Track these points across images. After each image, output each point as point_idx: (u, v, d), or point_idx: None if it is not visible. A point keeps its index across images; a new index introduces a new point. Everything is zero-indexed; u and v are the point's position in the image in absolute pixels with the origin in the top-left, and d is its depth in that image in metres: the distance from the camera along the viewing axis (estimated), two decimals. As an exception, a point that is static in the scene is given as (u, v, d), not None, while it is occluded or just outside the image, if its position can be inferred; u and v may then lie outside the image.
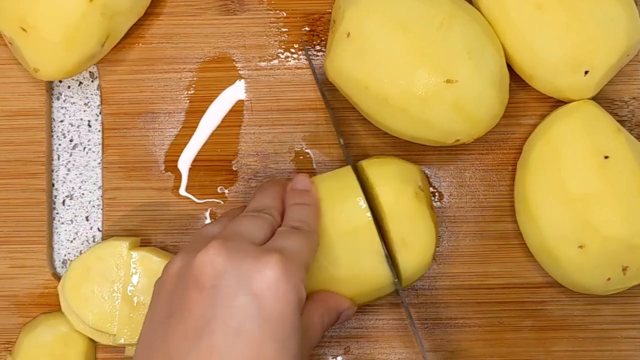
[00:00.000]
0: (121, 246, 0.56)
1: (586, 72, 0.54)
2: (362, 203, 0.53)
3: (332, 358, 0.59)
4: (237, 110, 0.60)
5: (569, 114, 0.55)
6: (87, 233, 0.61)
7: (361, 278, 0.53)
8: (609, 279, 0.54)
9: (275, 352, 0.43)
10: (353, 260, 0.53)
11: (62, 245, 0.61)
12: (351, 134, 0.59)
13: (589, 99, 0.56)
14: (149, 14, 0.59)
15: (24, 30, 0.54)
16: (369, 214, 0.53)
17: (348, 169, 0.55)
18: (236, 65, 0.60)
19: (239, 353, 0.42)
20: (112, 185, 0.60)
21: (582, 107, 0.55)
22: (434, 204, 0.59)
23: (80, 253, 0.60)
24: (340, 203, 0.53)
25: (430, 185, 0.59)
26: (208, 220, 0.60)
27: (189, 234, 0.60)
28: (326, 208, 0.53)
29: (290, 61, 0.60)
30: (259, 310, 0.43)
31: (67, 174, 0.61)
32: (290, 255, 0.45)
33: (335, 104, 0.60)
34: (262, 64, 0.60)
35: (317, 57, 0.60)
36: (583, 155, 0.53)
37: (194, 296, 0.44)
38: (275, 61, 0.60)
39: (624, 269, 0.53)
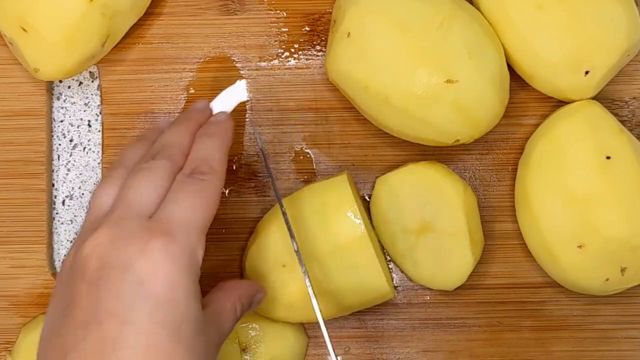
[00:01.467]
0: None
1: (586, 72, 0.54)
2: (355, 218, 0.53)
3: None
4: (237, 110, 0.60)
5: (571, 113, 0.55)
6: (87, 233, 0.61)
7: (358, 290, 0.54)
8: (607, 279, 0.54)
9: (167, 338, 0.41)
10: (348, 273, 0.54)
11: (62, 245, 0.61)
12: (351, 134, 0.59)
13: (589, 98, 0.56)
14: (149, 14, 0.59)
15: (24, 30, 0.54)
16: (362, 227, 0.53)
17: (343, 178, 0.55)
18: (236, 65, 0.60)
19: (130, 342, 0.41)
20: (112, 185, 0.60)
21: (585, 107, 0.55)
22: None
23: (80, 253, 0.60)
24: (333, 215, 0.54)
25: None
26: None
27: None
28: (319, 221, 0.54)
29: (290, 61, 0.60)
30: (146, 297, 0.42)
31: (67, 174, 0.61)
32: (179, 229, 0.43)
33: (335, 104, 0.60)
34: (262, 64, 0.60)
35: (317, 57, 0.60)
36: (585, 155, 0.53)
37: (81, 288, 0.43)
38: (276, 61, 0.60)
39: (623, 270, 0.53)
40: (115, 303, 0.42)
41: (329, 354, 0.58)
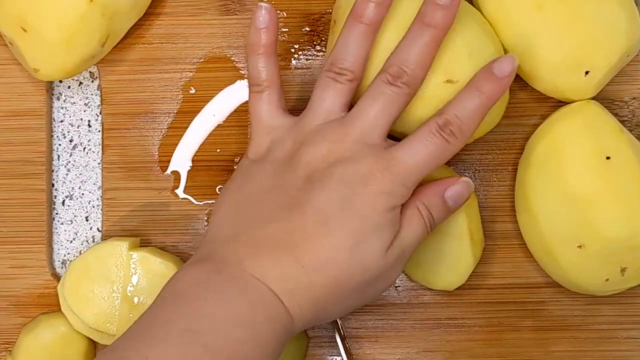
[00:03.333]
0: (121, 246, 0.56)
1: (587, 73, 0.54)
2: None
3: (332, 358, 0.59)
4: (238, 110, 0.60)
5: (572, 114, 0.55)
6: (86, 233, 0.61)
7: None
8: (607, 279, 0.54)
9: (347, 248, 0.46)
10: None
11: (61, 245, 0.61)
12: (351, 134, 0.59)
13: (589, 99, 0.56)
14: (149, 14, 0.59)
15: (24, 30, 0.54)
16: None
17: None
18: (236, 65, 0.60)
19: (318, 241, 0.46)
20: (112, 186, 0.60)
21: (585, 107, 0.55)
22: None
23: (80, 253, 0.60)
24: None
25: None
26: (209, 221, 0.60)
27: (189, 234, 0.60)
28: None
29: (290, 61, 0.60)
30: (348, 211, 0.46)
31: (67, 174, 0.61)
32: (405, 177, 0.47)
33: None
34: (262, 64, 0.60)
35: (317, 57, 0.60)
36: (585, 155, 0.53)
37: (297, 180, 0.47)
38: (276, 61, 0.60)
39: (623, 270, 0.53)
40: (322, 204, 0.46)
41: (329, 354, 0.59)
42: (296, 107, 0.60)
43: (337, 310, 0.48)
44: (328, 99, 0.50)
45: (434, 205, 0.50)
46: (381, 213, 0.47)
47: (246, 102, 0.60)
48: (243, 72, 0.60)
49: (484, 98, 0.49)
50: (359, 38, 0.50)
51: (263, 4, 0.52)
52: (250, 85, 0.52)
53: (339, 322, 0.54)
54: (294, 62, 0.60)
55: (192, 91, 0.60)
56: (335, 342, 0.59)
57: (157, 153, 0.60)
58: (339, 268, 0.46)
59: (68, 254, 0.61)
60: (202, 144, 0.60)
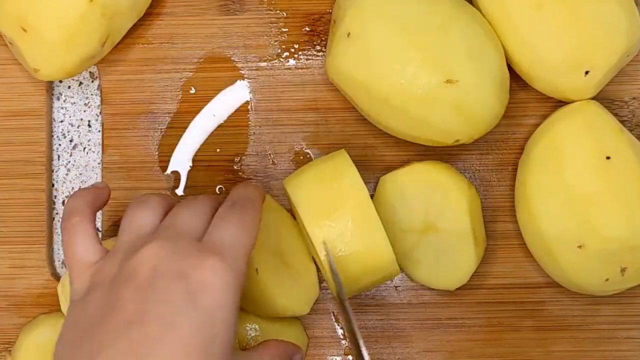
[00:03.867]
0: (121, 246, 0.56)
1: (586, 72, 0.54)
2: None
3: (332, 358, 0.59)
4: (238, 110, 0.60)
5: (571, 113, 0.55)
6: (87, 233, 0.61)
7: (362, 255, 0.53)
8: (607, 279, 0.54)
9: (201, 350, 0.42)
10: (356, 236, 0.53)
11: (61, 245, 0.61)
12: (351, 134, 0.59)
13: (589, 99, 0.56)
14: (149, 14, 0.59)
15: (24, 30, 0.54)
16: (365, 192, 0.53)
17: (342, 152, 0.55)
18: (236, 65, 0.60)
19: (168, 346, 0.42)
20: (112, 186, 0.59)
21: (585, 107, 0.55)
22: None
23: (80, 253, 0.60)
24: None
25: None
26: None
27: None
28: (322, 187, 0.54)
29: (290, 61, 0.60)
30: (194, 308, 0.43)
31: (67, 174, 0.61)
32: (229, 251, 0.45)
33: (335, 104, 0.60)
34: (262, 64, 0.60)
35: (317, 57, 0.60)
36: (585, 155, 0.53)
37: (127, 293, 0.43)
38: (276, 61, 0.60)
39: (623, 270, 0.53)
40: (163, 308, 0.42)
41: (329, 354, 0.59)
42: (296, 107, 0.60)
43: None
44: (144, 215, 0.48)
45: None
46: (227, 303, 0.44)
47: (246, 103, 0.60)
48: (243, 72, 0.60)
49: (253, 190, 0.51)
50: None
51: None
52: (63, 222, 0.49)
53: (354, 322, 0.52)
54: (293, 62, 0.60)
55: (192, 91, 0.60)
56: (336, 342, 0.59)
57: (157, 153, 0.60)
58: None
59: (68, 254, 0.61)
60: (202, 144, 0.60)
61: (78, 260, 0.47)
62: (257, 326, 0.57)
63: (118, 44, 0.59)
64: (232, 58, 0.60)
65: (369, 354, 0.59)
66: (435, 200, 0.56)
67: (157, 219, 0.48)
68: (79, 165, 0.61)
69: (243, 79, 0.60)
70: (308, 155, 0.60)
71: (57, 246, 0.61)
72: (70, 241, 0.48)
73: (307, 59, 0.60)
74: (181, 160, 0.60)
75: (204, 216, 0.48)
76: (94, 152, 0.61)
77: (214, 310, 0.43)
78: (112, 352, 0.42)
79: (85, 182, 0.61)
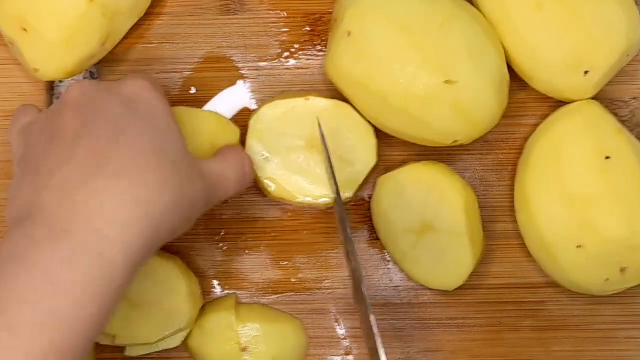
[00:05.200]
0: (121, 246, 0.56)
1: (586, 72, 0.54)
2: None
3: (332, 358, 0.59)
4: (241, 113, 0.60)
5: (571, 113, 0.55)
6: (87, 233, 0.61)
7: None
8: (607, 279, 0.54)
9: (149, 145, 0.45)
10: None
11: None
12: (351, 134, 0.59)
13: (589, 99, 0.56)
14: (149, 14, 0.59)
15: (24, 30, 0.54)
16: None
17: None
18: (236, 65, 0.60)
19: (121, 146, 0.44)
20: (112, 186, 0.60)
21: (585, 107, 0.55)
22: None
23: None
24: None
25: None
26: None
27: (189, 234, 0.59)
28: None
29: (290, 61, 0.60)
30: (135, 116, 0.46)
31: (67, 174, 0.61)
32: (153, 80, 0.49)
33: (336, 104, 0.60)
34: (262, 64, 0.60)
35: (318, 57, 0.60)
36: (584, 155, 0.53)
37: (69, 117, 0.46)
38: (276, 61, 0.60)
39: (623, 270, 0.53)
40: (106, 118, 0.45)
41: (329, 354, 0.59)
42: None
43: (179, 217, 0.47)
44: None
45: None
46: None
47: (246, 103, 0.60)
48: (243, 72, 0.60)
49: None
50: None
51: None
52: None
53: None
54: (294, 62, 0.60)
55: (192, 91, 0.60)
56: (336, 342, 0.59)
57: (157, 153, 0.60)
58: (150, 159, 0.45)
59: (68, 254, 0.61)
60: (202, 144, 0.60)
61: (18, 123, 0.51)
62: (257, 325, 0.57)
63: (118, 44, 0.59)
64: (232, 58, 0.60)
65: (367, 354, 0.59)
66: (432, 201, 0.56)
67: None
68: (79, 165, 0.61)
69: (243, 79, 0.60)
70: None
71: (57, 246, 0.61)
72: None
73: (307, 59, 0.60)
74: (181, 160, 0.60)
75: None
76: (94, 152, 0.61)
77: (152, 115, 0.47)
78: (70, 167, 0.44)
79: (85, 182, 0.61)
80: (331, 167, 0.54)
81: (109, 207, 0.43)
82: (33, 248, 0.42)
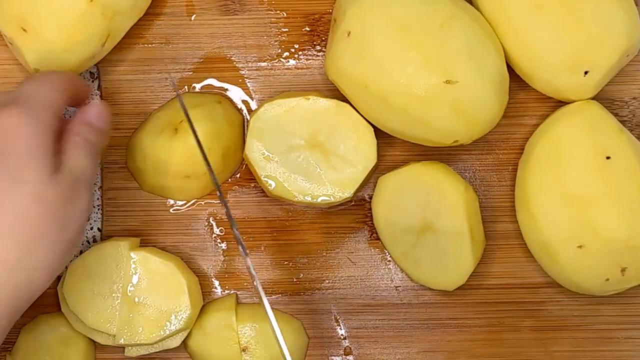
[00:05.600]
0: (121, 246, 0.56)
1: (586, 73, 0.54)
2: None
3: (332, 358, 0.59)
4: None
5: (571, 114, 0.55)
6: (87, 233, 0.61)
7: None
8: (607, 279, 0.54)
9: (7, 183, 0.45)
10: None
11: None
12: (351, 134, 0.60)
13: (589, 99, 0.56)
14: (149, 14, 0.59)
15: (24, 30, 0.54)
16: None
17: None
18: (236, 65, 0.60)
19: None
20: (112, 186, 0.60)
21: (585, 107, 0.55)
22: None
23: (80, 253, 0.60)
24: None
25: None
26: (209, 221, 0.60)
27: (189, 234, 0.60)
28: None
29: (290, 61, 0.60)
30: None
31: (67, 174, 0.61)
32: (27, 99, 0.48)
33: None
34: (262, 64, 0.60)
35: (317, 57, 0.60)
36: (585, 155, 0.53)
37: None
38: (276, 61, 0.60)
39: (623, 270, 0.53)
40: None
41: (329, 354, 0.59)
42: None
43: (43, 258, 0.46)
44: None
45: (85, 132, 0.51)
46: (28, 152, 0.46)
47: (247, 103, 0.60)
48: (243, 72, 0.60)
49: None
50: None
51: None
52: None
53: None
54: (294, 62, 0.60)
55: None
56: (336, 342, 0.59)
57: (157, 153, 0.60)
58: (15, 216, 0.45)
59: (68, 254, 0.61)
60: (202, 144, 0.60)
61: None
62: (257, 325, 0.57)
63: (118, 44, 0.59)
64: (232, 58, 0.60)
65: (368, 354, 0.59)
66: (433, 201, 0.56)
67: None
68: (79, 165, 0.61)
69: (243, 79, 0.60)
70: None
71: (57, 246, 0.61)
72: None
73: (307, 59, 0.60)
74: (181, 160, 0.60)
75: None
76: (94, 152, 0.61)
77: (6, 154, 0.46)
78: None
79: (85, 182, 0.61)
80: (200, 145, 0.54)
81: None
82: None
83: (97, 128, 0.52)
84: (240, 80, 0.60)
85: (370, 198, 0.59)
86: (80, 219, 0.48)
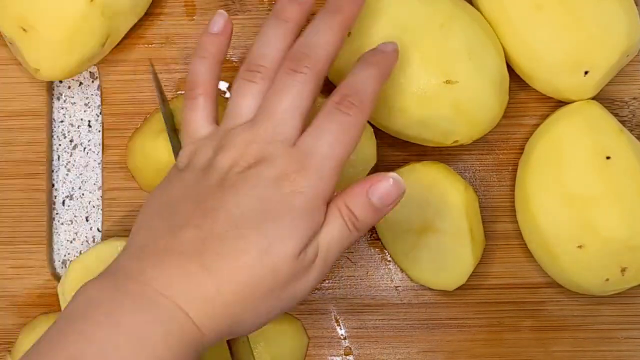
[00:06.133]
0: (121, 246, 0.56)
1: (586, 73, 0.54)
2: None
3: (332, 358, 0.59)
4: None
5: (571, 114, 0.55)
6: (87, 233, 0.61)
7: None
8: (607, 279, 0.54)
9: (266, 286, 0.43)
10: None
11: (61, 245, 0.61)
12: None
13: (589, 99, 0.56)
14: (149, 14, 0.59)
15: (24, 30, 0.54)
16: None
17: None
18: (236, 65, 0.60)
19: (233, 248, 0.42)
20: (112, 186, 0.60)
21: (585, 107, 0.55)
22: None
23: (80, 253, 0.60)
24: None
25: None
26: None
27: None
28: None
29: (290, 61, 0.60)
30: (265, 217, 0.43)
31: (67, 175, 0.61)
32: (317, 164, 0.44)
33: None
34: (262, 64, 0.60)
35: (317, 57, 0.60)
36: (585, 155, 0.53)
37: (211, 189, 0.44)
38: (276, 61, 0.60)
39: (623, 270, 0.53)
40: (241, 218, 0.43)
41: (329, 354, 0.59)
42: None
43: (252, 318, 0.44)
44: (244, 102, 0.48)
45: (356, 204, 0.45)
46: (297, 213, 0.43)
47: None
48: (243, 72, 0.60)
49: (374, 68, 0.47)
50: (280, 37, 0.48)
51: (222, 11, 0.51)
52: (187, 90, 0.50)
53: None
54: (294, 62, 0.60)
55: (192, 91, 0.60)
56: (336, 342, 0.59)
57: (157, 153, 0.60)
58: (247, 274, 0.42)
59: (68, 254, 0.61)
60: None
61: (191, 133, 0.49)
62: (257, 326, 0.57)
63: (118, 44, 0.59)
64: (232, 58, 0.60)
65: (368, 354, 0.59)
66: (433, 201, 0.56)
67: (256, 103, 0.47)
68: (79, 165, 0.61)
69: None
70: (308, 155, 0.60)
71: (57, 246, 0.61)
72: (189, 113, 0.49)
73: (307, 59, 0.60)
74: (181, 161, 0.60)
75: (305, 104, 0.46)
76: (94, 152, 0.61)
77: (279, 216, 0.43)
78: (181, 237, 0.43)
79: (85, 182, 0.61)
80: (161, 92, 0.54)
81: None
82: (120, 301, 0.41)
83: (374, 208, 0.45)
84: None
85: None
86: (302, 296, 0.45)
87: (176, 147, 0.54)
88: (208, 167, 0.46)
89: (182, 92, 0.60)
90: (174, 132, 0.55)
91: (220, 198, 0.44)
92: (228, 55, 0.60)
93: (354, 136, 0.46)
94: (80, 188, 0.61)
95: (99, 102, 0.62)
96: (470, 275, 0.56)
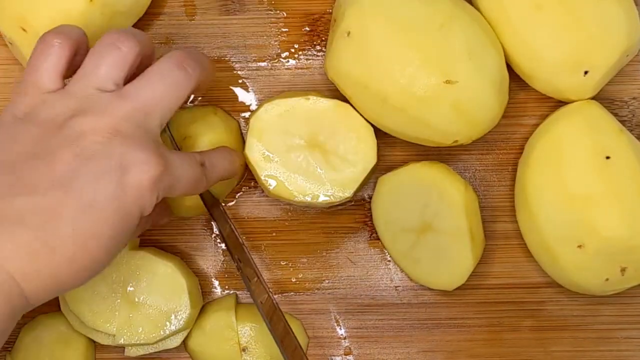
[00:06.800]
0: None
1: (586, 72, 0.54)
2: None
3: (332, 358, 0.59)
4: (239, 114, 0.60)
5: (571, 113, 0.55)
6: (86, 233, 0.61)
7: None
8: (607, 279, 0.54)
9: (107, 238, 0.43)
10: None
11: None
12: (351, 134, 0.59)
13: (589, 99, 0.56)
14: (149, 14, 0.59)
15: (24, 30, 0.54)
16: None
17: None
18: (236, 65, 0.60)
19: (84, 225, 0.43)
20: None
21: (585, 107, 0.55)
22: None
23: (80, 253, 0.60)
24: None
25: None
26: (209, 221, 0.60)
27: (189, 234, 0.60)
28: None
29: (290, 61, 0.60)
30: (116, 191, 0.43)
31: (67, 174, 0.61)
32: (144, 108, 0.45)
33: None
34: (262, 64, 0.60)
35: (317, 57, 0.60)
36: (584, 155, 0.53)
37: (66, 155, 0.43)
38: (276, 61, 0.60)
39: (623, 270, 0.53)
40: (89, 185, 0.43)
41: (329, 354, 0.59)
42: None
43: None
44: (104, 67, 0.46)
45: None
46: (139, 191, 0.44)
47: (247, 105, 0.60)
48: (243, 72, 0.60)
49: None
50: None
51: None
52: (45, 34, 0.47)
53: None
54: (293, 62, 0.60)
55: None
56: (336, 342, 0.59)
57: (157, 153, 0.60)
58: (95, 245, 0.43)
59: (68, 254, 0.61)
60: (202, 144, 0.60)
61: (35, 80, 0.47)
62: (257, 325, 0.57)
63: (118, 44, 0.59)
64: (231, 58, 0.60)
65: (368, 354, 0.59)
66: (432, 201, 0.56)
67: (123, 77, 0.47)
68: (79, 165, 0.61)
69: (243, 79, 0.60)
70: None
71: (57, 246, 0.61)
72: (38, 57, 0.47)
73: (307, 59, 0.60)
74: (181, 160, 0.60)
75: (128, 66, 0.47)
76: (93, 152, 0.61)
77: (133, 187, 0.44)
78: (23, 202, 0.42)
79: (85, 182, 0.61)
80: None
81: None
82: None
83: None
84: (240, 81, 0.60)
85: (370, 198, 0.59)
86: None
87: (168, 143, 0.54)
88: (60, 126, 0.45)
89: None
90: (169, 133, 0.55)
91: (75, 170, 0.43)
92: (228, 55, 0.60)
93: (187, 91, 0.49)
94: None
95: (98, 102, 0.62)
96: (470, 275, 0.56)
